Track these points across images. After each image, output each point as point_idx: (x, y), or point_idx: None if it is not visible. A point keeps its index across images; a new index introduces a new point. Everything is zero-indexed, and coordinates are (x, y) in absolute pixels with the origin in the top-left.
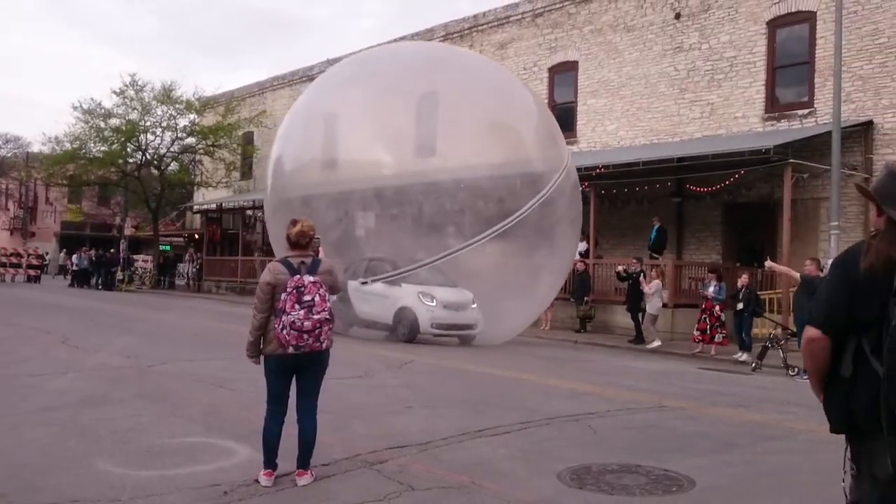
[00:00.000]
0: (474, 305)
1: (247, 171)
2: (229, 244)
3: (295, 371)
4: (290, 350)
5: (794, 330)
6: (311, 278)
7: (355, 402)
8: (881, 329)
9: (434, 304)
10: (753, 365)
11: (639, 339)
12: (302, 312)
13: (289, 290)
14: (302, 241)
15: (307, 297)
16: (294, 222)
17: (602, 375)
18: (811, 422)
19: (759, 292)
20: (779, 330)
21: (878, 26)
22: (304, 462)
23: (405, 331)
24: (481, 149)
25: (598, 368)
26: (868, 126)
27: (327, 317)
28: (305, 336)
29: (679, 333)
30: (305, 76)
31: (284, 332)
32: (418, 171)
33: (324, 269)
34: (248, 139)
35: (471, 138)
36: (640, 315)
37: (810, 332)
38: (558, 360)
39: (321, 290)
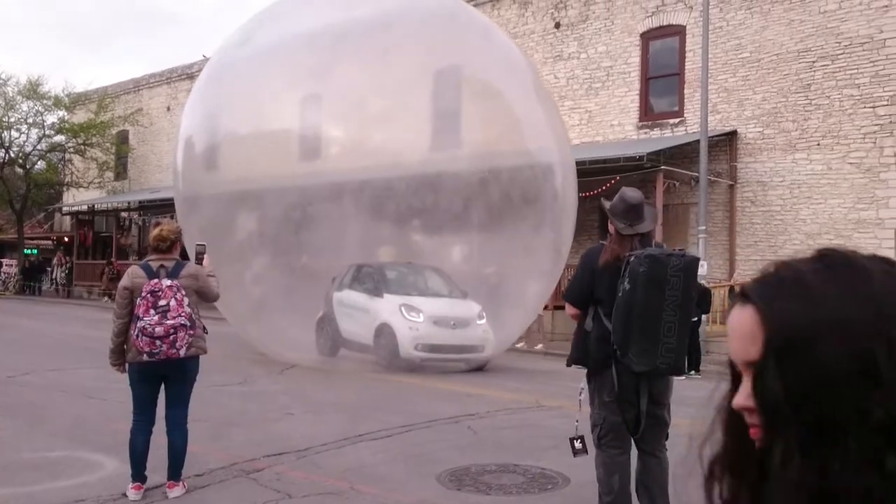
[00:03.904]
0: (481, 321)
1: (121, 172)
2: (102, 247)
3: (160, 379)
4: (145, 357)
5: None
6: (169, 282)
7: (233, 410)
8: (611, 300)
9: (420, 319)
10: None
11: None
12: (156, 318)
13: (143, 294)
14: (162, 246)
15: (162, 302)
16: (156, 224)
17: (483, 377)
18: (676, 417)
19: None
20: None
21: (741, 41)
22: (174, 473)
23: (383, 354)
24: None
25: (480, 370)
26: (732, 136)
27: (183, 322)
28: (158, 342)
29: (559, 334)
30: (185, 74)
31: (139, 338)
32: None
33: (187, 272)
34: (123, 138)
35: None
36: None
37: (571, 309)
38: None
39: (178, 295)
